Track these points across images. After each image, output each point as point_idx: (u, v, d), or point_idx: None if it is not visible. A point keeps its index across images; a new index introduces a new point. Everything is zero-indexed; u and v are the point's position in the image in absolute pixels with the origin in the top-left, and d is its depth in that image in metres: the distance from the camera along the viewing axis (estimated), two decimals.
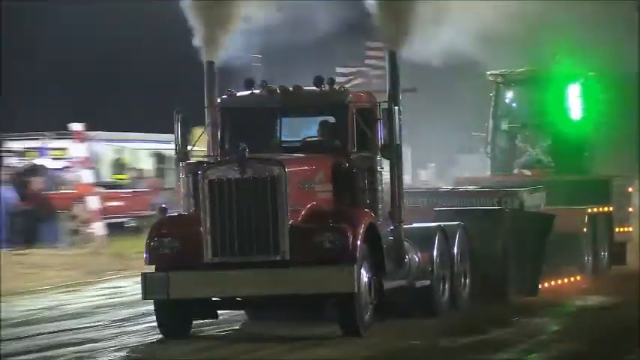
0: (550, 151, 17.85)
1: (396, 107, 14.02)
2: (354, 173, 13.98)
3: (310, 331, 13.89)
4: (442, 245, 15.34)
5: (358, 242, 12.88)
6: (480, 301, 15.67)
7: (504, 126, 18.42)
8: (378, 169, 14.32)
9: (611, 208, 17.48)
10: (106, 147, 35.04)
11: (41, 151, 34.20)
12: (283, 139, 14.68)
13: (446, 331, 13.79)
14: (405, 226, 14.88)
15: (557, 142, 17.77)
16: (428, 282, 15.01)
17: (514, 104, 18.61)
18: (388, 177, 14.36)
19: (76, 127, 28.18)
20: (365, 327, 13.16)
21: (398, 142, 14.05)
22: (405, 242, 14.79)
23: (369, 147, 14.15)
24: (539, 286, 15.46)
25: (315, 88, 14.12)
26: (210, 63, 14.75)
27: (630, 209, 18.55)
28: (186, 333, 13.75)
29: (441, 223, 15.60)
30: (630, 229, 18.19)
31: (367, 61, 37.78)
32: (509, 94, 18.55)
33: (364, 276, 13.15)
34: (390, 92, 14.24)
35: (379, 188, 14.31)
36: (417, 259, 14.85)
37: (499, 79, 18.49)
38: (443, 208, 15.27)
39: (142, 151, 37.01)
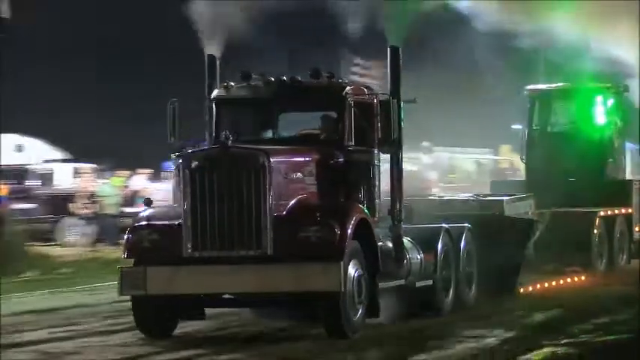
0: (577, 157, 18.31)
1: (395, 101, 13.24)
2: (348, 167, 13.15)
3: (305, 330, 13.11)
4: (447, 246, 14.64)
5: (346, 238, 11.89)
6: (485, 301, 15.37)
7: (537, 135, 19.22)
8: (376, 163, 13.51)
9: (630, 210, 18.15)
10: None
11: None
12: (280, 131, 13.87)
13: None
14: (409, 226, 14.20)
15: (584, 149, 18.37)
16: (430, 282, 14.26)
17: (547, 116, 19.46)
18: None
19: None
20: (353, 328, 12.11)
21: (397, 137, 13.23)
22: (408, 242, 14.01)
23: (367, 141, 13.21)
24: (520, 288, 15.30)
25: (312, 79, 13.23)
26: (212, 57, 14.06)
27: None
28: (169, 332, 12.66)
29: (446, 225, 14.81)
30: None
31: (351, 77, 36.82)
32: (543, 107, 19.41)
33: (353, 274, 12.08)
34: (391, 87, 13.55)
35: (376, 184, 13.46)
36: (418, 259, 14.10)
37: (534, 94, 19.39)
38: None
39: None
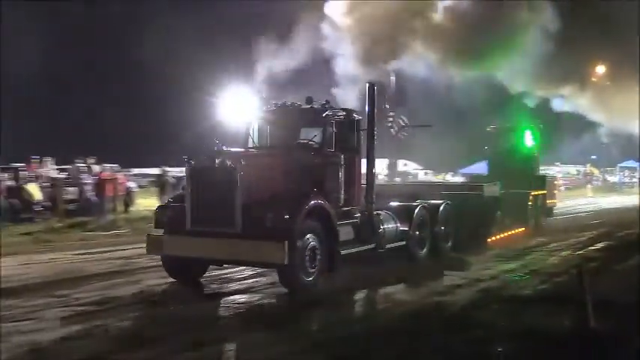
0: (517, 163, 25.89)
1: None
2: (321, 166, 13.48)
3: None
4: (423, 216, 15.36)
5: (294, 222, 11.67)
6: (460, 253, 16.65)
7: (495, 152, 27.18)
8: (342, 163, 13.55)
9: (545, 191, 24.93)
10: None
11: None
12: (289, 139, 14.37)
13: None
14: (393, 204, 14.97)
15: (520, 159, 26.25)
16: (403, 243, 14.79)
17: (500, 141, 27.68)
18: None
19: None
20: (304, 287, 12.16)
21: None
22: (386, 215, 14.19)
23: (342, 148, 13.54)
24: (489, 239, 19.73)
25: (306, 105, 14.16)
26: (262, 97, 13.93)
27: (556, 191, 27.65)
28: (196, 278, 13.43)
29: (425, 201, 15.91)
30: (555, 201, 26.84)
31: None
32: (497, 137, 27.91)
33: (306, 246, 12.07)
34: (368, 111, 14.63)
35: (341, 178, 13.83)
36: (393, 228, 14.26)
37: (492, 129, 27.27)
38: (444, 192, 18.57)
39: None
